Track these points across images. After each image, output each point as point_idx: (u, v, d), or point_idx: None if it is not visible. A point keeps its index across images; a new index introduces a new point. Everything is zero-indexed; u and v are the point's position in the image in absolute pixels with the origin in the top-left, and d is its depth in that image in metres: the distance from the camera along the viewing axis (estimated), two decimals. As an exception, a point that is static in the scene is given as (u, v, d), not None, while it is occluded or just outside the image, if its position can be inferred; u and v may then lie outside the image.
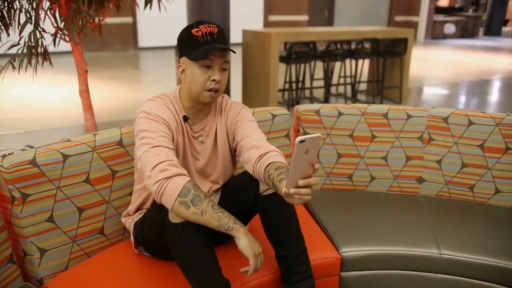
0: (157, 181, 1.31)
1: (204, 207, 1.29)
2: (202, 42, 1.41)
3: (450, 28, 14.94)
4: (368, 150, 2.16)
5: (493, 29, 16.46)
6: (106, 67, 8.44)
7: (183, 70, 1.48)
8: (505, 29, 17.43)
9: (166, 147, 1.38)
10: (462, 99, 6.50)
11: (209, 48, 1.39)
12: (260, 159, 1.43)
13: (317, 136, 1.13)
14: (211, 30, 1.42)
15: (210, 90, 1.44)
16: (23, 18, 2.70)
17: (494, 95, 6.75)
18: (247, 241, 1.31)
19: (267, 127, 2.02)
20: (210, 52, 1.40)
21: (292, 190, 1.19)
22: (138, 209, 1.63)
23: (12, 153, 2.51)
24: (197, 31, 1.41)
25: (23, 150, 2.60)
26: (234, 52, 1.47)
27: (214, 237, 1.43)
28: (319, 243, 1.75)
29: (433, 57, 10.78)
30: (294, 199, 1.22)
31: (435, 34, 14.69)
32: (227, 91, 4.72)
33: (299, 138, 1.10)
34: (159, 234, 1.40)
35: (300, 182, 1.18)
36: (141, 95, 6.27)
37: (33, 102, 5.60)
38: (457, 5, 17.28)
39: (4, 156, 2.56)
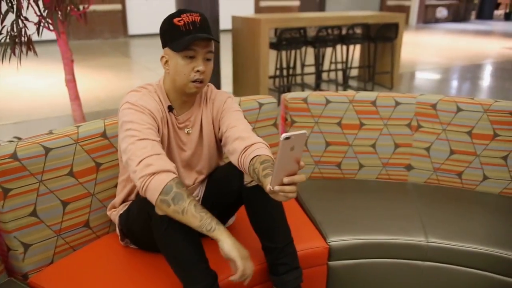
0: (141, 177, 1.29)
1: (186, 206, 1.25)
2: (185, 32, 1.37)
3: (442, 12, 14.89)
4: (357, 138, 2.15)
5: (485, 13, 16.42)
6: (96, 55, 8.33)
7: (166, 61, 1.45)
8: (497, 12, 17.39)
9: (153, 140, 1.36)
10: (454, 84, 6.49)
11: (191, 38, 1.36)
12: (245, 151, 1.42)
13: (302, 133, 1.10)
14: (193, 19, 1.38)
15: (194, 81, 1.41)
16: (4, 7, 2.63)
17: (486, 79, 6.76)
18: (231, 242, 1.24)
19: (254, 116, 2.00)
20: (193, 42, 1.36)
21: (277, 188, 1.17)
22: (124, 201, 1.61)
23: (-2, 144, 2.47)
24: (179, 21, 1.38)
25: (10, 141, 2.56)
26: (218, 42, 1.43)
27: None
28: (306, 233, 1.75)
29: (425, 41, 10.75)
30: (278, 196, 1.21)
31: (427, 18, 14.64)
32: (217, 78, 4.68)
33: (284, 135, 1.07)
34: (146, 226, 1.39)
35: (285, 180, 1.16)
36: (131, 84, 6.20)
37: (20, 92, 5.52)
38: (449, -11, 17.19)
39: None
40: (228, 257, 1.26)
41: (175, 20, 1.38)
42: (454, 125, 2.08)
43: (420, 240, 1.73)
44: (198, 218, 1.25)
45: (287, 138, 1.08)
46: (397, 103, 2.13)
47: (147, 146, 1.33)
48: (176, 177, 1.31)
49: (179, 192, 1.26)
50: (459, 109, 2.07)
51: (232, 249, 1.24)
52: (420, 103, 2.13)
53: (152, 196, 1.28)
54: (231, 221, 1.73)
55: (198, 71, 1.40)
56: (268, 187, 1.20)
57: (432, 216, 1.86)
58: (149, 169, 1.28)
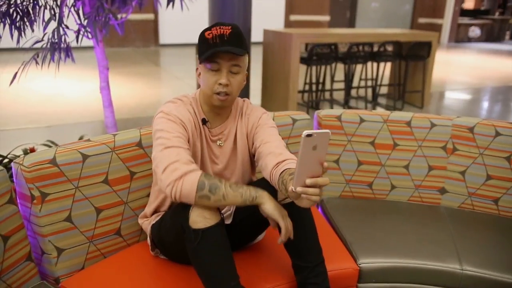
0: (169, 183, 1.31)
1: (224, 191, 1.30)
2: (211, 45, 1.38)
3: (475, 31, 14.64)
4: (390, 158, 2.11)
5: (520, 34, 16.05)
6: (127, 63, 8.52)
7: (200, 73, 1.48)
8: (532, 33, 16.96)
9: (180, 147, 1.37)
10: (485, 105, 6.35)
11: (213, 51, 1.37)
12: (277, 166, 1.41)
13: (325, 132, 1.07)
14: (222, 32, 1.39)
15: (218, 93, 1.42)
16: (47, 15, 2.72)
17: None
18: (272, 204, 1.33)
19: (288, 132, 1.99)
20: (215, 55, 1.38)
21: (299, 189, 1.14)
22: (155, 211, 1.62)
23: (33, 147, 2.53)
24: (208, 34, 1.40)
25: (44, 144, 2.62)
26: (241, 55, 1.40)
27: (232, 243, 1.41)
28: (337, 253, 1.72)
29: (456, 61, 10.58)
30: (302, 200, 1.19)
31: (459, 37, 14.41)
32: (246, 91, 4.70)
33: (305, 132, 1.05)
34: (178, 238, 1.39)
35: (308, 181, 1.13)
36: (161, 92, 6.30)
37: (55, 97, 5.67)
38: (483, 8, 16.90)
39: (25, 150, 2.58)
40: (271, 218, 1.34)
41: (206, 33, 1.40)
42: (492, 149, 2.02)
43: (455, 267, 1.67)
44: (238, 196, 1.32)
45: (309, 135, 1.05)
46: (433, 125, 2.09)
47: (172, 153, 1.35)
48: (202, 171, 1.33)
49: (211, 182, 1.30)
50: (497, 133, 2.01)
51: (274, 211, 1.32)
52: (457, 125, 2.08)
53: (189, 197, 1.30)
54: (260, 237, 1.72)
55: (220, 84, 1.41)
56: (290, 188, 1.18)
57: (466, 243, 1.80)
58: (175, 174, 1.30)
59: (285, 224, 1.33)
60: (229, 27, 1.40)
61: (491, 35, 15.20)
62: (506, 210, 2.04)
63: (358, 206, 2.09)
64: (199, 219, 1.30)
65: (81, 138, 2.33)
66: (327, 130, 1.09)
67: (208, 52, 1.37)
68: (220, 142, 1.56)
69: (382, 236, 1.83)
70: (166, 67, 8.52)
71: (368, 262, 1.69)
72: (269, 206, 1.32)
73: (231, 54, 1.39)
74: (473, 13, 15.99)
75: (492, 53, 12.10)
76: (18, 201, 1.47)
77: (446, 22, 13.95)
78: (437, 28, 13.73)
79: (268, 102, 5.29)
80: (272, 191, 1.45)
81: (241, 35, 1.42)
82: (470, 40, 14.70)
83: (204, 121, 1.52)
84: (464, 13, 15.16)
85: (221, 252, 1.33)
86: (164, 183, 1.32)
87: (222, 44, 1.38)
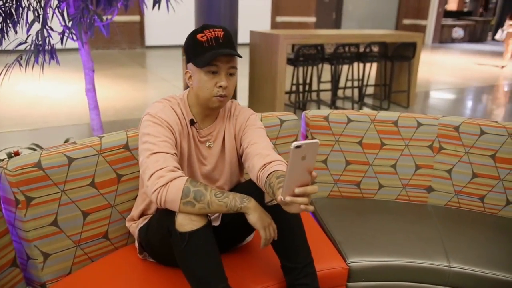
0: (155, 190, 1.30)
1: (208, 199, 1.29)
2: (208, 47, 1.38)
3: (458, 32, 14.85)
4: (377, 157, 2.12)
5: (501, 34, 16.32)
6: (113, 65, 8.44)
7: (190, 76, 1.46)
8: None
9: (167, 153, 1.36)
10: (469, 104, 6.44)
11: (213, 54, 1.37)
12: (264, 168, 1.41)
13: (314, 142, 1.08)
14: (216, 35, 1.39)
15: (217, 96, 1.42)
16: (30, 16, 2.68)
17: (502, 101, 6.69)
18: (256, 215, 1.33)
19: (275, 133, 1.99)
20: (215, 58, 1.37)
21: (288, 198, 1.14)
22: (142, 214, 1.60)
23: (18, 151, 2.49)
24: (202, 36, 1.39)
25: (29, 148, 2.57)
26: (241, 57, 1.44)
27: (220, 245, 1.40)
28: (326, 253, 1.72)
29: (440, 61, 10.71)
30: (291, 207, 1.19)
31: (443, 38, 14.61)
32: (234, 91, 4.68)
33: (294, 144, 1.05)
34: (165, 241, 1.38)
35: (297, 191, 1.13)
36: (147, 94, 6.26)
37: (40, 99, 5.59)
38: (465, 9, 17.17)
39: (9, 154, 2.53)
40: (254, 226, 1.35)
41: (199, 36, 1.39)
42: (477, 148, 2.05)
43: (443, 264, 1.69)
44: (223, 205, 1.31)
45: (298, 146, 1.05)
46: (419, 124, 2.11)
47: (159, 160, 1.34)
48: (188, 177, 1.33)
49: (197, 189, 1.30)
50: (482, 132, 2.04)
51: (257, 222, 1.34)
52: (443, 124, 2.10)
53: (173, 204, 1.30)
54: (249, 238, 1.71)
55: (220, 86, 1.41)
56: (279, 197, 1.18)
57: (454, 240, 1.82)
58: (161, 181, 1.30)
59: (265, 235, 1.35)
60: (221, 29, 1.41)
61: (474, 36, 15.44)
62: (491, 208, 2.07)
63: (347, 205, 2.10)
64: (186, 222, 1.30)
65: (66, 141, 2.30)
66: (316, 140, 1.09)
67: (207, 54, 1.37)
68: (210, 143, 1.55)
69: (371, 235, 1.84)
70: (152, 69, 8.46)
71: (357, 261, 1.70)
72: (252, 217, 1.33)
73: (229, 57, 1.40)
74: (456, 14, 16.23)
75: (475, 53, 12.29)
76: (2, 205, 1.44)
77: (430, 23, 14.14)
78: (421, 29, 13.90)
79: (255, 103, 5.29)
80: (259, 192, 1.45)
81: (232, 37, 1.43)
82: (453, 40, 14.91)
83: (192, 122, 1.51)
84: (448, 14, 15.38)
85: (208, 255, 1.32)
86: (150, 190, 1.31)
87: (219, 47, 1.38)
